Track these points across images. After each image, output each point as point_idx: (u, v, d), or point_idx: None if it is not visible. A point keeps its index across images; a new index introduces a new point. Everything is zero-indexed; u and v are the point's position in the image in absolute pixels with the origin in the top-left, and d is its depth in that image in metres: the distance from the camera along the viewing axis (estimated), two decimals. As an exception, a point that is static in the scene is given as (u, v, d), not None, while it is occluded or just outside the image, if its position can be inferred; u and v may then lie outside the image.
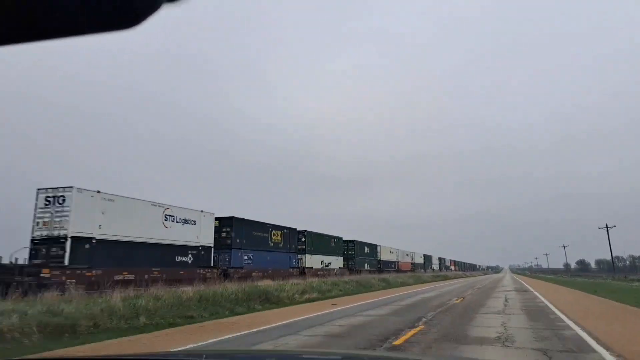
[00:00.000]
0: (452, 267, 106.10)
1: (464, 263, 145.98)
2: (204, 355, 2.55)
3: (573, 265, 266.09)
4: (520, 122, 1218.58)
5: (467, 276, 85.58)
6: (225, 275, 24.19)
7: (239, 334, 9.84)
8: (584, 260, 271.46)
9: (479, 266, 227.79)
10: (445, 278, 61.41)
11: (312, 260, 38.14)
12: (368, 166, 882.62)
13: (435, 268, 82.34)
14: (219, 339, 9.12)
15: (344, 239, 46.28)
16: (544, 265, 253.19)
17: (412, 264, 68.32)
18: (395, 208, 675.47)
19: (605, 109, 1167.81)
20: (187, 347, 8.10)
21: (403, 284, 37.12)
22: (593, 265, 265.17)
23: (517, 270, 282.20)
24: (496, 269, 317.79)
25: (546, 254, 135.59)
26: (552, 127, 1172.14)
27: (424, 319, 12.26)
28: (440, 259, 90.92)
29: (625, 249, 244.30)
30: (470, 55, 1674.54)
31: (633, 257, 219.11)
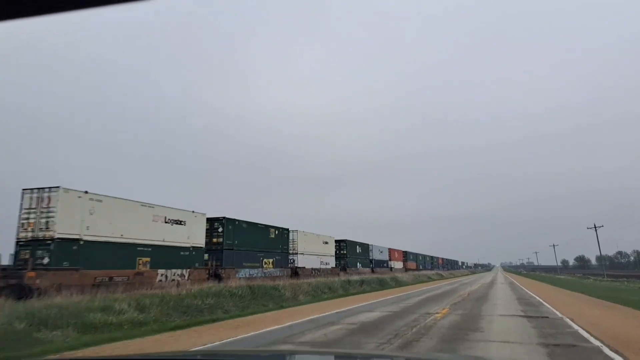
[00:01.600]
0: (399, 264, 61.01)
1: (432, 258, 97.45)
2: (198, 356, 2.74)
3: (571, 262, 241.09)
4: (514, 118, 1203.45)
5: (430, 280, 51.67)
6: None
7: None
8: (583, 256, 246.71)
9: (464, 264, 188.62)
10: (375, 285, 32.12)
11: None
12: (352, 166, 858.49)
13: (316, 266, 37.06)
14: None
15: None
16: (535, 263, 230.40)
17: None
18: (380, 208, 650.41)
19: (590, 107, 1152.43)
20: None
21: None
22: (593, 261, 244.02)
23: (510, 268, 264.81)
24: (487, 267, 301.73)
25: (553, 245, 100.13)
26: (544, 125, 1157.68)
27: None
28: (349, 245, 43.50)
29: (628, 245, 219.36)
30: (463, 50, 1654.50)
31: (638, 253, 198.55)
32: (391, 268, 55.14)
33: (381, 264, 51.77)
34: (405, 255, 68.03)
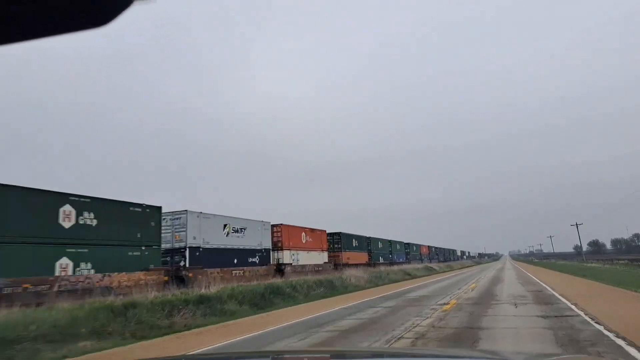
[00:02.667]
0: (318, 257, 33.18)
1: (407, 245, 64.62)
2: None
3: (585, 247, 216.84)
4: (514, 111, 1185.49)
5: (410, 278, 35.33)
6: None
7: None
8: (597, 240, 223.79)
9: (465, 254, 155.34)
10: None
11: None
12: (351, 159, 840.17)
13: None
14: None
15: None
16: (545, 250, 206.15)
17: None
18: (382, 204, 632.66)
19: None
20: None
21: None
22: (608, 245, 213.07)
23: (519, 257, 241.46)
24: (495, 257, 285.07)
25: (576, 224, 71.77)
26: (546, 114, 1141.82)
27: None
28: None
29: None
30: (469, 46, 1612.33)
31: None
32: (281, 266, 27.53)
33: (240, 258, 23.79)
34: (338, 241, 37.74)
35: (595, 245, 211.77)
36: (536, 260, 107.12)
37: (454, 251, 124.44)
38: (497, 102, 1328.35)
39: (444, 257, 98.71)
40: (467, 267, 76.00)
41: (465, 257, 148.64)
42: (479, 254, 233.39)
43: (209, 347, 8.61)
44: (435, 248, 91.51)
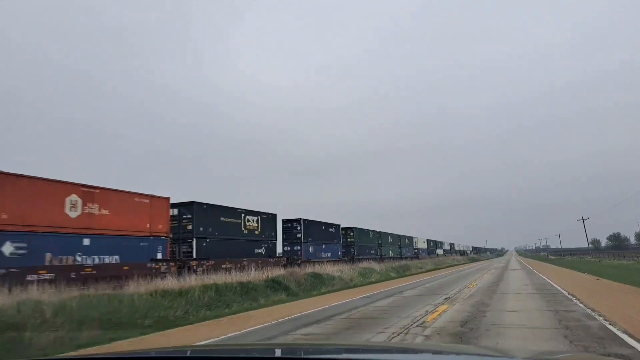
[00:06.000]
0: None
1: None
2: (188, 352, 2.77)
3: (604, 242, 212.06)
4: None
5: None
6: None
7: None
8: (619, 234, 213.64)
9: (440, 246, 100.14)
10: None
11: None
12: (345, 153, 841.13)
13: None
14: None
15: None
16: (552, 246, 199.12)
17: None
18: (385, 196, 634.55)
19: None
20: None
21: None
22: (633, 240, 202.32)
23: (526, 252, 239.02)
24: (499, 252, 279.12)
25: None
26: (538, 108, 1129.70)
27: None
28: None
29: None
30: (469, 29, 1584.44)
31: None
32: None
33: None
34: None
35: (617, 239, 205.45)
36: (552, 257, 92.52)
37: (407, 239, 68.13)
38: (501, 93, 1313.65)
39: (363, 251, 47.23)
40: (434, 270, 45.75)
41: (439, 250, 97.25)
42: (474, 247, 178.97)
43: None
44: (402, 237, 49.61)
